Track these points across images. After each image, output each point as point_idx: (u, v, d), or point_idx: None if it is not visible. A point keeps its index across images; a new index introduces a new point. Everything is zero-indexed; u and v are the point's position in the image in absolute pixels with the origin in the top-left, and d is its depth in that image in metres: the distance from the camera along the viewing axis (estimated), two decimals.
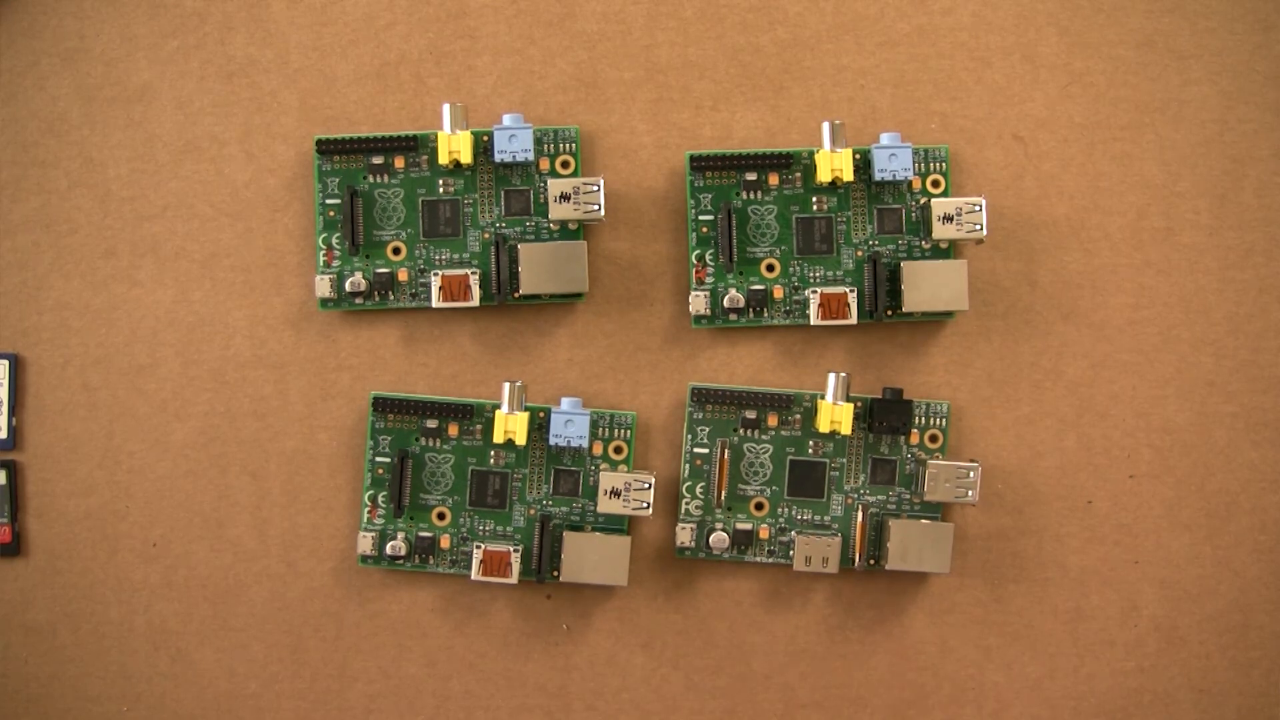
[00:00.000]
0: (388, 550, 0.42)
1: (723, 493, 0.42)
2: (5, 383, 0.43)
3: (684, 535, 0.42)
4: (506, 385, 0.41)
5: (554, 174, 0.42)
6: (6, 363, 0.43)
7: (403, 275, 0.42)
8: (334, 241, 0.42)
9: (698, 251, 0.42)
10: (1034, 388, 0.44)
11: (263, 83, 0.43)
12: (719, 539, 0.42)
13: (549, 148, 0.42)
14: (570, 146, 0.42)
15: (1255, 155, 0.44)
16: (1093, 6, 0.44)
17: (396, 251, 0.42)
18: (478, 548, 0.41)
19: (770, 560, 0.43)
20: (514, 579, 0.42)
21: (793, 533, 0.42)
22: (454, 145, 0.41)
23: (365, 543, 0.42)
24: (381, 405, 0.42)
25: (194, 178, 0.43)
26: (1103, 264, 0.44)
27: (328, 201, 0.42)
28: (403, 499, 0.42)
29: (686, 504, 0.42)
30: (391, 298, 0.42)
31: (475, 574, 0.41)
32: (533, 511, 0.42)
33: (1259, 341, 0.44)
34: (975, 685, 0.44)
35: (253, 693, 0.44)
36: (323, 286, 0.42)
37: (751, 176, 0.42)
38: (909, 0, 0.43)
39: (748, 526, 0.42)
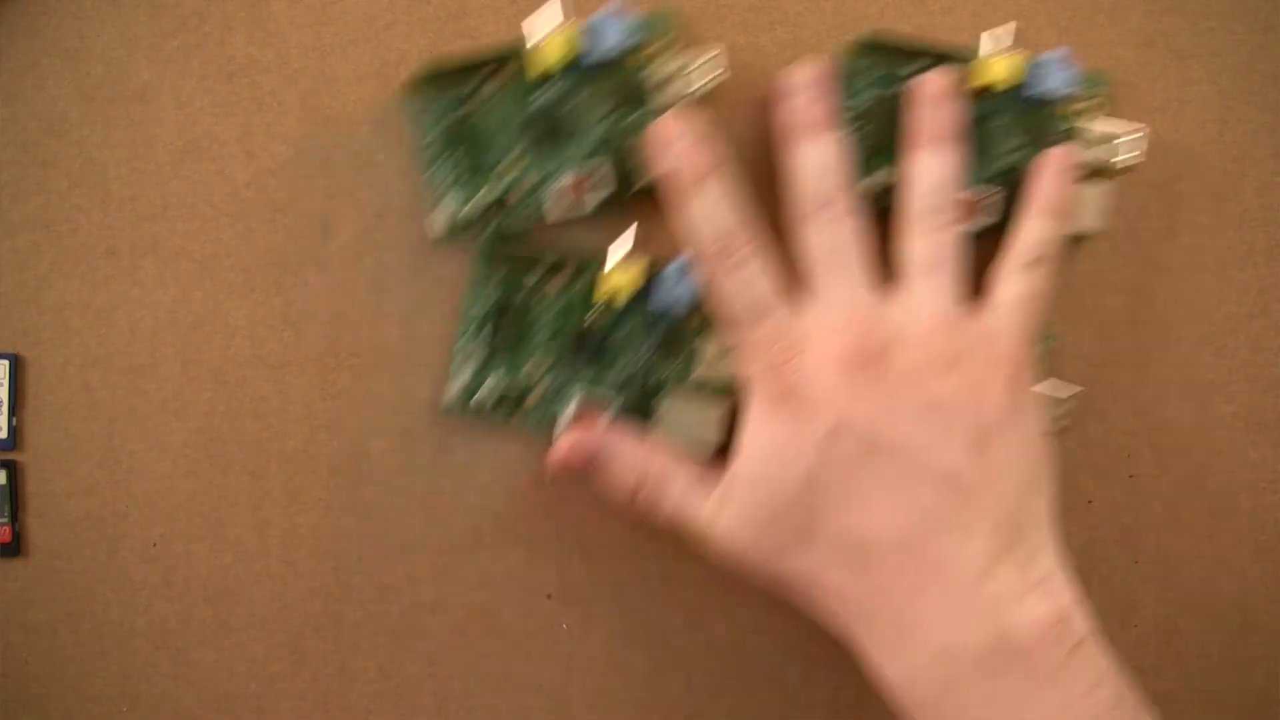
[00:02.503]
0: (479, 396, 0.42)
1: None
2: (5, 383, 0.43)
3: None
4: (611, 249, 0.41)
5: (657, 59, 0.41)
6: (6, 363, 0.43)
7: (513, 196, 0.42)
8: (443, 174, 0.42)
9: None
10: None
11: (263, 83, 0.43)
12: None
13: (647, 36, 0.41)
14: (669, 28, 0.42)
15: (1255, 155, 0.44)
16: (1093, 6, 0.44)
17: (505, 174, 0.42)
18: (570, 405, 0.41)
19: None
20: None
21: None
22: (547, 52, 0.41)
23: (458, 385, 0.41)
24: (492, 252, 0.42)
25: (194, 178, 0.43)
26: (1103, 264, 0.44)
27: (427, 139, 0.42)
28: (498, 349, 0.41)
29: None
30: (506, 220, 0.42)
31: (561, 428, 0.41)
32: (629, 374, 0.42)
33: (1259, 341, 0.44)
34: None
35: (253, 693, 0.44)
36: (440, 218, 0.41)
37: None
38: (909, 0, 0.43)
39: None
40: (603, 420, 0.41)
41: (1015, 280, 0.39)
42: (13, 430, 0.43)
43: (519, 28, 0.43)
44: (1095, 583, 0.44)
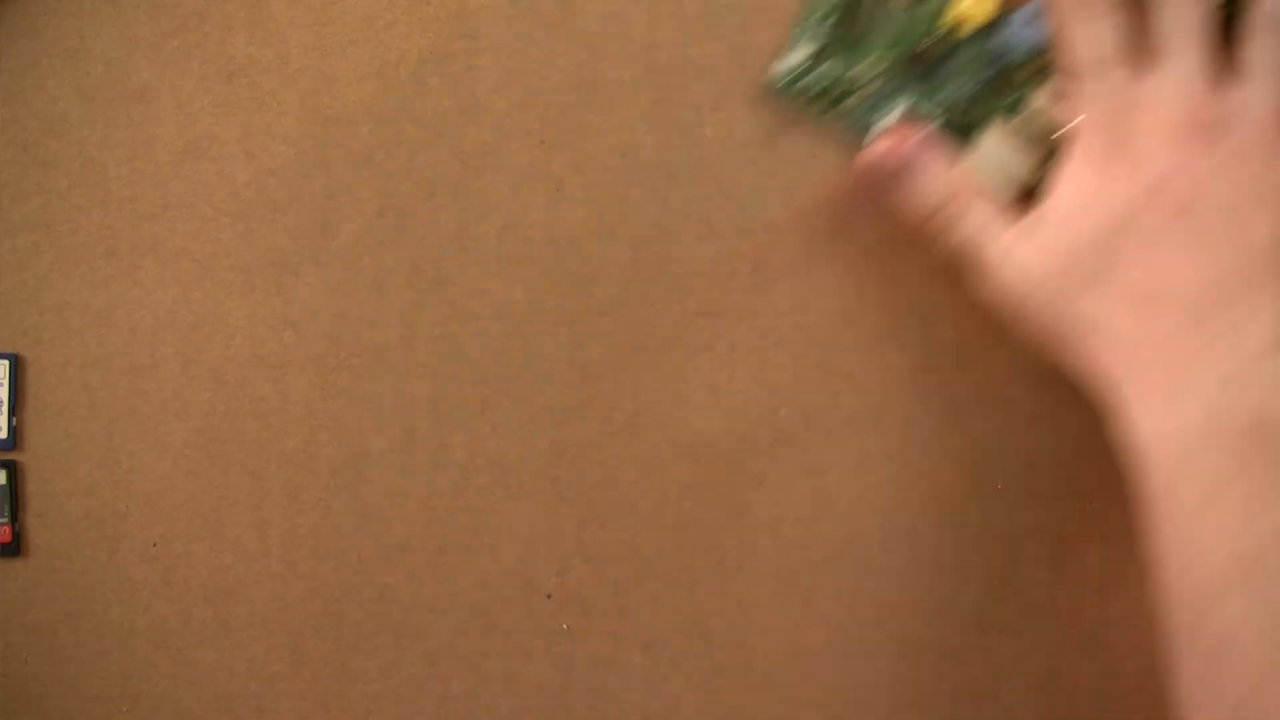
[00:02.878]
0: (806, 81, 0.42)
1: None
2: (5, 383, 0.43)
3: None
4: None
5: None
6: (6, 363, 0.43)
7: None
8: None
9: None
10: (1033, 387, 0.44)
11: (263, 83, 0.43)
12: None
13: None
14: None
15: None
16: None
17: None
18: (893, 113, 0.42)
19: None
20: None
21: None
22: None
23: (789, 64, 0.42)
24: None
25: (194, 178, 0.43)
26: None
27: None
28: (836, 41, 0.41)
29: None
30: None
31: (879, 131, 0.41)
32: (954, 99, 0.42)
33: None
34: (975, 685, 0.44)
35: (253, 693, 0.44)
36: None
37: None
38: None
39: None
40: (921, 133, 0.41)
41: None
42: (13, 430, 0.43)
43: (519, 28, 0.43)
44: (1095, 583, 0.44)
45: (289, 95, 0.43)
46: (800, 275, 0.43)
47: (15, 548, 0.43)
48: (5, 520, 0.43)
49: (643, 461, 0.44)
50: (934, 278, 0.44)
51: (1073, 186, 0.39)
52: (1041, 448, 0.44)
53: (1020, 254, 0.39)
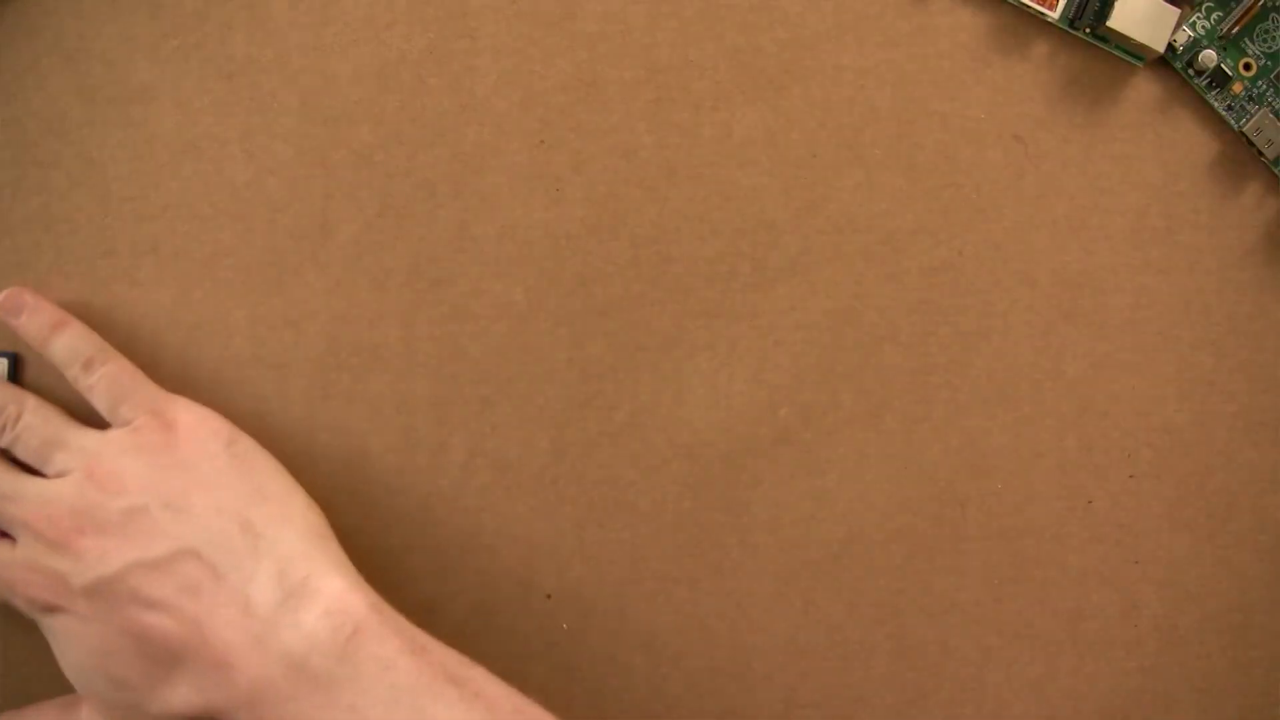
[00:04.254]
0: None
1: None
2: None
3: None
4: None
5: None
6: (6, 361, 0.43)
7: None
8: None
9: None
10: (1034, 388, 0.44)
11: (263, 83, 0.43)
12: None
13: None
14: None
15: (1255, 154, 0.44)
16: None
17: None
18: None
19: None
20: (1056, 13, 0.42)
21: None
22: None
23: None
24: None
25: (194, 178, 0.43)
26: (1102, 264, 0.44)
27: None
28: None
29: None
30: None
31: None
32: None
33: (1259, 341, 0.44)
34: (975, 685, 0.44)
35: None
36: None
37: None
38: (909, 0, 0.43)
39: None
40: None
41: None
42: None
43: (519, 28, 0.43)
44: (1095, 583, 0.44)
45: (289, 95, 0.43)
46: (800, 275, 0.43)
47: None
48: None
49: (643, 461, 0.44)
50: (934, 277, 0.44)
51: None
52: (1041, 448, 0.44)
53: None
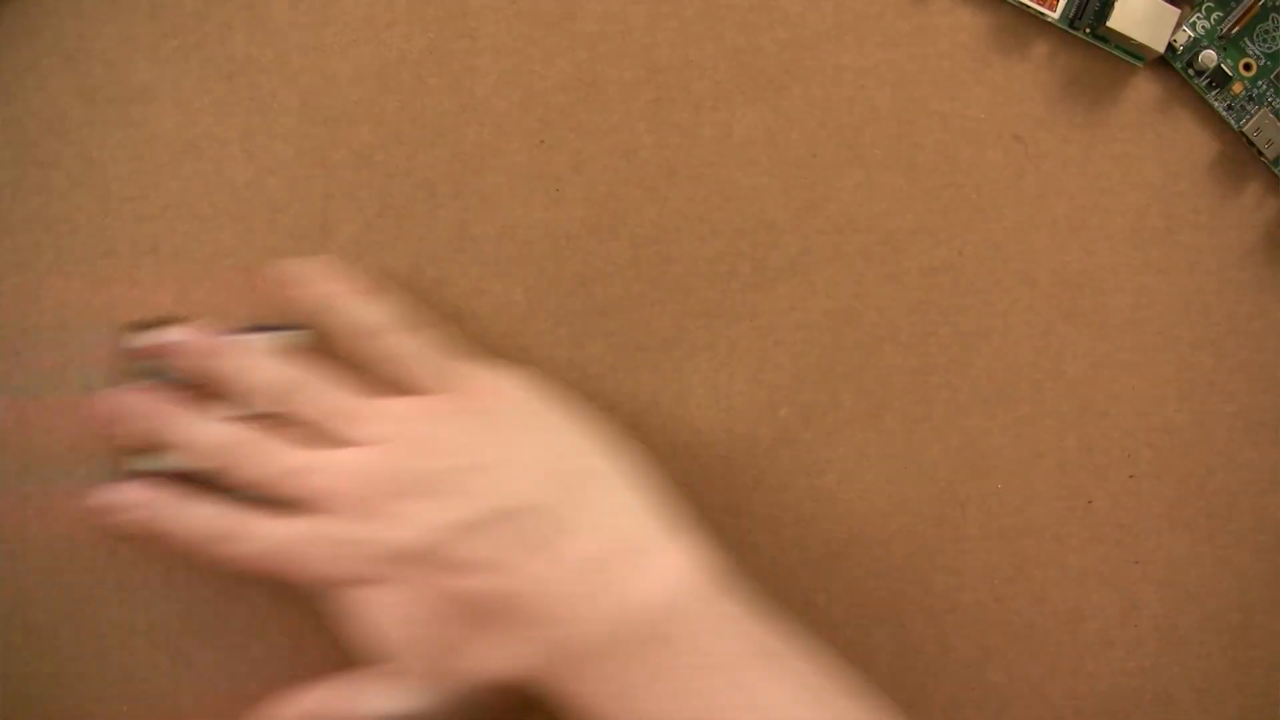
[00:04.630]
0: None
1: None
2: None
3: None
4: None
5: None
6: (296, 334, 0.42)
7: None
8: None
9: None
10: (1034, 388, 0.44)
11: (263, 83, 0.43)
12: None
13: None
14: None
15: (1256, 156, 0.44)
16: None
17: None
18: None
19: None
20: (1056, 13, 0.42)
21: None
22: None
23: None
24: None
25: (194, 178, 0.43)
26: (1102, 264, 0.44)
27: None
28: None
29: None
30: None
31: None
32: None
33: (1259, 341, 0.44)
34: (975, 685, 0.44)
35: (253, 693, 0.43)
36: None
37: None
38: (909, 0, 0.43)
39: None
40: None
41: None
42: None
43: (519, 28, 0.43)
44: (1095, 583, 0.44)
45: (289, 95, 0.43)
46: (800, 275, 0.43)
47: None
48: None
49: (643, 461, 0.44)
50: (934, 277, 0.44)
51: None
52: (1041, 448, 0.44)
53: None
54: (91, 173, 0.43)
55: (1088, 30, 0.43)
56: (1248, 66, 0.43)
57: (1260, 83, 0.43)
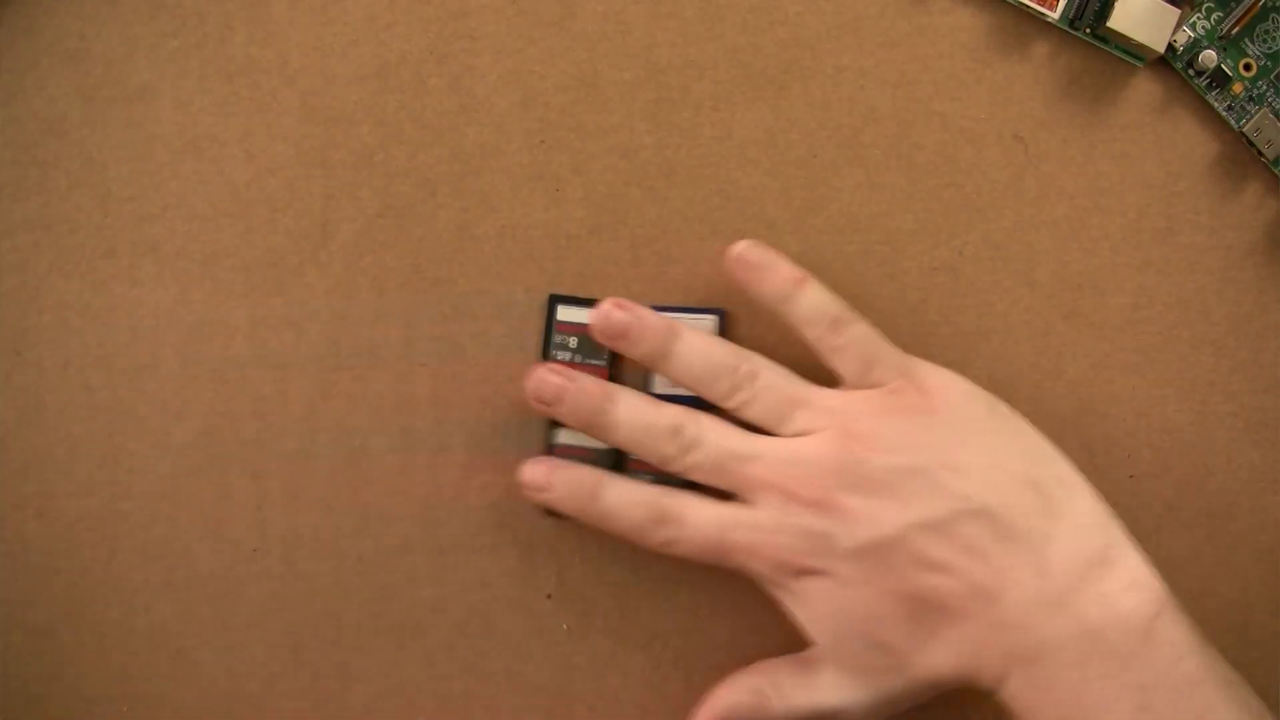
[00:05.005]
0: None
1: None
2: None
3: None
4: None
5: None
6: (715, 319, 0.42)
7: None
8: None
9: None
10: (1034, 388, 0.44)
11: (263, 83, 0.43)
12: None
13: None
14: None
15: (1256, 156, 0.44)
16: None
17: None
18: None
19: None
20: (1056, 13, 0.42)
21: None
22: None
23: None
24: None
25: (194, 178, 0.43)
26: (1103, 264, 0.44)
27: None
28: None
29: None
30: None
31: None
32: None
33: (1259, 341, 0.44)
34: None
35: (253, 693, 0.43)
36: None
37: None
38: (909, 0, 0.43)
39: None
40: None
41: None
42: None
43: (519, 28, 0.43)
44: None
45: (289, 95, 0.43)
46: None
47: None
48: None
49: None
50: (934, 277, 0.44)
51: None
52: None
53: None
54: (91, 173, 0.43)
55: (1088, 30, 0.43)
56: (1248, 66, 0.43)
57: (1260, 83, 0.43)
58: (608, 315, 0.40)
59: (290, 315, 0.43)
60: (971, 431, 0.38)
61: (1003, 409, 0.39)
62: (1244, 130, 0.43)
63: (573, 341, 0.42)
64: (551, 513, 0.42)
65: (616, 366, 0.43)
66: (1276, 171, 0.43)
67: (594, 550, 0.43)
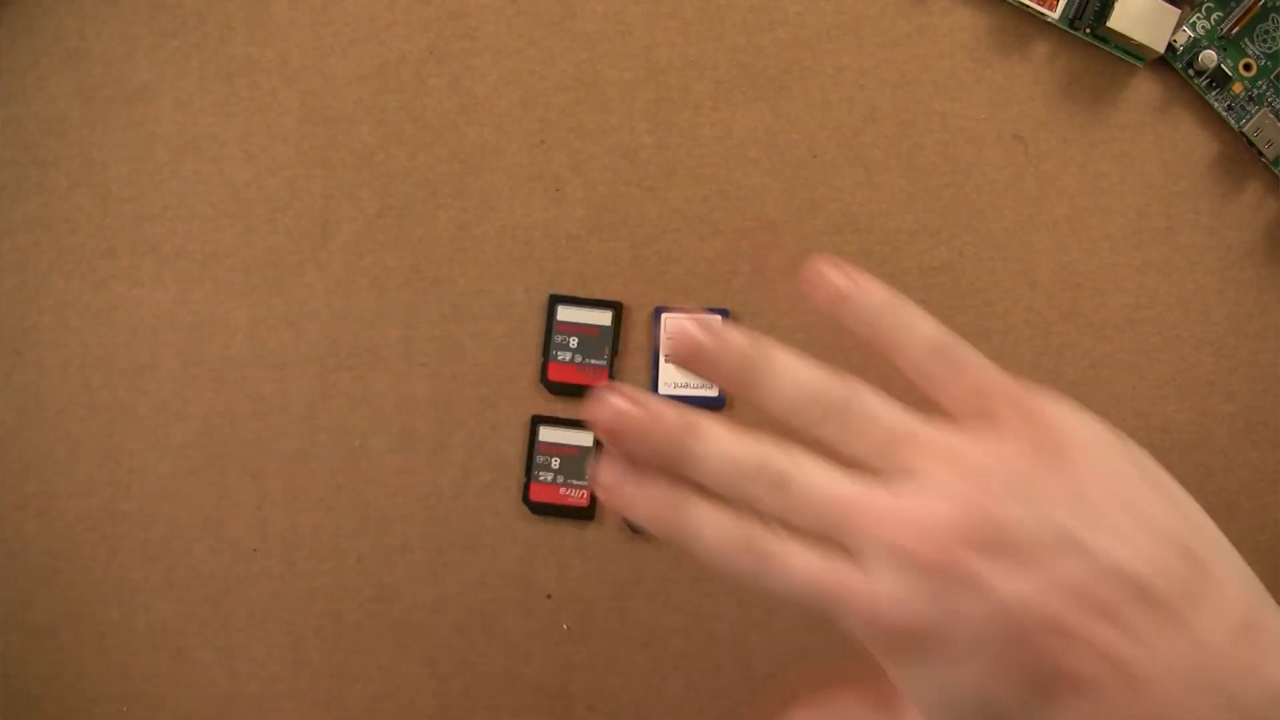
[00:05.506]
0: None
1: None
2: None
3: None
4: None
5: None
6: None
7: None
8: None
9: None
10: None
11: (263, 83, 0.43)
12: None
13: None
14: None
15: (1256, 156, 0.44)
16: None
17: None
18: None
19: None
20: (1056, 13, 0.42)
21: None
22: None
23: None
24: None
25: (194, 178, 0.43)
26: (1103, 264, 0.44)
27: None
28: None
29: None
30: None
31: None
32: None
33: (1259, 341, 0.44)
34: None
35: (253, 693, 0.43)
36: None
37: None
38: (909, 0, 0.43)
39: None
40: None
41: None
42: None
43: (519, 28, 0.43)
44: None
45: (289, 95, 0.43)
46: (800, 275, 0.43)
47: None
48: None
49: None
50: (934, 277, 0.44)
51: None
52: None
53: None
54: (91, 173, 0.43)
55: (1088, 30, 0.43)
56: (1248, 66, 0.43)
57: (1260, 83, 0.43)
58: (691, 333, 0.34)
59: (290, 315, 0.43)
60: (1120, 488, 0.33)
61: (1148, 462, 0.34)
62: (1244, 130, 0.43)
63: (573, 341, 0.42)
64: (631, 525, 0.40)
65: (616, 366, 0.43)
66: (1276, 171, 0.43)
67: (594, 550, 0.44)
